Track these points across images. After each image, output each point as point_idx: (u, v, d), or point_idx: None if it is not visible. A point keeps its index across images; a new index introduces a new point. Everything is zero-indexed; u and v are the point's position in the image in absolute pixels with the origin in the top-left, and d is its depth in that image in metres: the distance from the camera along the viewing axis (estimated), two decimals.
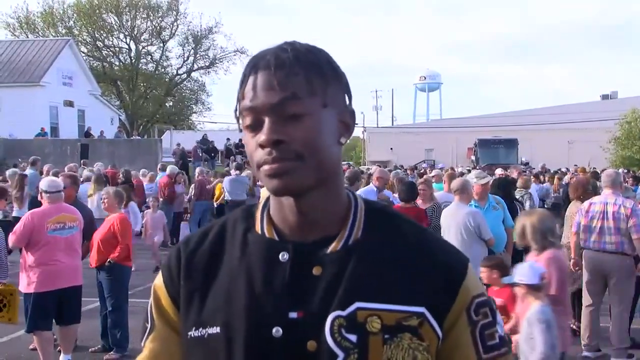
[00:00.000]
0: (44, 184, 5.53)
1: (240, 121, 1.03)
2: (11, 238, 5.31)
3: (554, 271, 3.90)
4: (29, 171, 13.25)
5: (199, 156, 24.12)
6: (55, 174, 11.51)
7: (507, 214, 6.32)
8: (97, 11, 38.94)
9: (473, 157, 31.82)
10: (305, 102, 0.98)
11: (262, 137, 0.98)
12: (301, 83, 0.98)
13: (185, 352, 1.07)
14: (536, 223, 4.03)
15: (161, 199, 12.79)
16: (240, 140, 29.10)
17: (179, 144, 25.12)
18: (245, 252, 1.07)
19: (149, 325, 1.14)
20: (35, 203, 11.91)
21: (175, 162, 19.61)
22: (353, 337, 0.98)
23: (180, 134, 33.00)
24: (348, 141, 1.08)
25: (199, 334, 1.04)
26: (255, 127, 1.00)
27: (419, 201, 6.91)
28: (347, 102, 1.07)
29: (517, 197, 9.89)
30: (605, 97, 49.78)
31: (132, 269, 6.07)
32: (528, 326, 3.53)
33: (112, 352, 5.69)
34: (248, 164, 18.90)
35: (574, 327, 6.43)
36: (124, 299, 5.84)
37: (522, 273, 3.70)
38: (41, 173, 13.38)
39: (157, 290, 1.15)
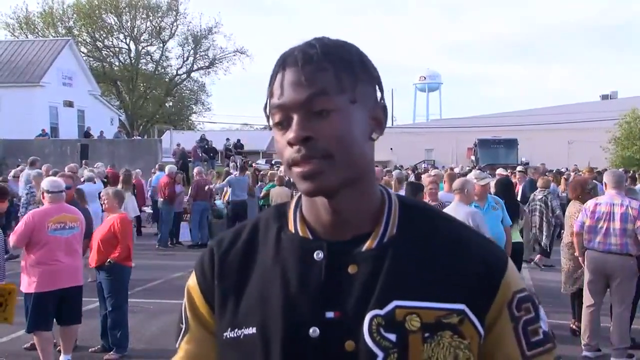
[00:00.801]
0: (45, 183, 5.55)
1: (270, 119, 1.01)
2: (12, 238, 5.32)
3: None
4: (26, 172, 13.26)
5: (198, 156, 24.13)
6: (55, 174, 11.57)
7: (505, 214, 6.36)
8: (97, 11, 38.96)
9: (473, 157, 31.83)
10: (333, 98, 0.97)
11: (290, 134, 0.97)
12: (329, 79, 0.97)
13: (220, 353, 1.06)
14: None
15: (161, 199, 12.81)
16: (239, 140, 29.13)
17: (179, 144, 25.14)
18: (279, 252, 1.06)
19: (183, 327, 1.12)
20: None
21: (175, 162, 19.62)
22: (392, 337, 0.96)
23: (180, 134, 33.00)
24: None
25: (234, 334, 1.03)
26: (284, 125, 0.99)
27: (425, 200, 6.91)
28: (379, 97, 1.05)
29: (540, 196, 9.98)
30: (605, 97, 49.77)
31: (132, 265, 6.07)
32: None
33: (111, 352, 5.70)
34: (248, 165, 18.91)
35: (574, 327, 6.44)
36: (123, 299, 5.85)
37: None
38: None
39: (191, 290, 1.13)
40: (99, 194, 10.59)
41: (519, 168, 17.92)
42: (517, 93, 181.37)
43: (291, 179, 1.03)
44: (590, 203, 5.86)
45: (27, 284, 5.19)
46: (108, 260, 5.64)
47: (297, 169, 0.97)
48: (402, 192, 7.97)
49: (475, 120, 41.36)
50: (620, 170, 6.27)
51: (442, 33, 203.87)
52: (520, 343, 1.01)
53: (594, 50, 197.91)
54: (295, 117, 0.97)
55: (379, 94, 1.05)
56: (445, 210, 5.97)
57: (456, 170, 15.40)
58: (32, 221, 5.22)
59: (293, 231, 1.07)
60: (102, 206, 6.20)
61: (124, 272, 5.83)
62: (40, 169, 12.82)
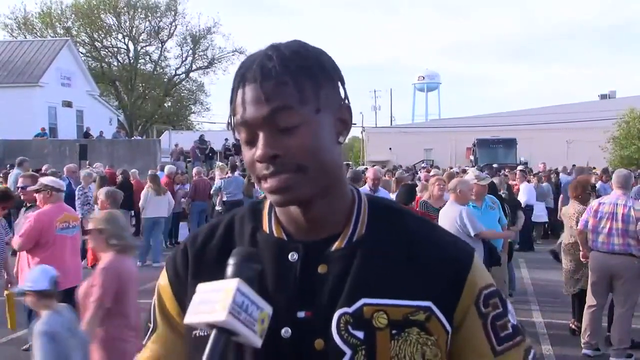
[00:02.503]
0: (48, 182, 5.55)
1: (236, 134, 1.01)
2: (17, 240, 5.23)
3: (107, 279, 3.48)
4: (15, 171, 13.22)
5: (197, 156, 24.11)
6: (53, 174, 11.57)
7: (501, 214, 6.39)
8: (95, 11, 38.90)
9: (472, 157, 31.81)
10: (297, 111, 0.96)
11: (258, 152, 0.96)
12: (291, 92, 0.95)
13: (191, 352, 1.04)
14: (101, 224, 3.62)
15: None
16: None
17: (177, 145, 25.11)
18: None
19: (151, 326, 1.13)
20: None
21: (173, 162, 19.62)
22: (360, 334, 0.97)
23: (179, 135, 32.98)
24: (346, 139, 1.07)
25: (206, 333, 1.00)
26: (251, 142, 0.98)
27: (430, 200, 6.90)
28: (343, 97, 1.03)
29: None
30: (603, 96, 49.76)
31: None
32: (33, 338, 3.08)
33: None
34: (242, 164, 18.93)
35: (574, 326, 6.45)
36: None
37: (31, 278, 3.26)
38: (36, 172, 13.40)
39: (161, 290, 1.13)
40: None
41: (519, 168, 17.96)
42: (516, 93, 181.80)
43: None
44: (595, 202, 5.86)
45: None
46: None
47: (266, 185, 0.98)
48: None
49: (474, 120, 41.36)
50: (625, 170, 6.28)
51: (441, 33, 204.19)
52: (490, 338, 1.02)
53: (592, 50, 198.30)
54: (260, 135, 0.96)
55: (342, 93, 1.03)
56: (441, 210, 6.00)
57: (454, 169, 15.42)
58: (41, 221, 5.20)
59: (268, 232, 1.07)
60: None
61: None
62: (34, 169, 12.80)
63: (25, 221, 5.41)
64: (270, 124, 0.96)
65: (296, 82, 0.96)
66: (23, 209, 6.06)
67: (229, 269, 0.92)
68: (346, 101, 1.04)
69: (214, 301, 0.86)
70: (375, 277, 1.00)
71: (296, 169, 0.96)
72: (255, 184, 1.03)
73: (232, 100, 1.00)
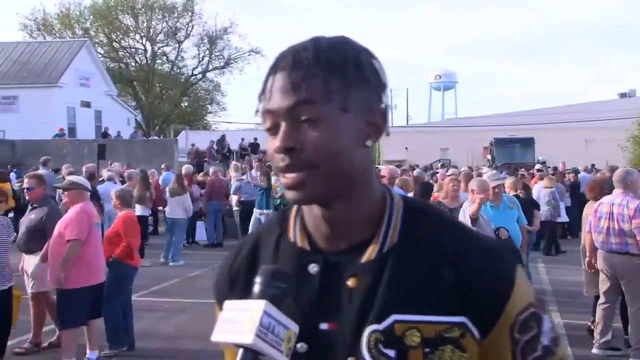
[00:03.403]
0: (79, 179, 5.77)
1: (263, 123, 0.99)
2: (73, 231, 5.18)
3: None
4: (42, 171, 13.40)
5: (213, 156, 24.23)
6: (71, 174, 11.72)
7: (521, 213, 6.38)
8: (113, 12, 39.27)
9: (489, 157, 31.59)
10: (320, 107, 0.93)
11: (276, 143, 0.95)
12: (318, 86, 0.92)
13: None
14: None
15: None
16: (255, 139, 29.21)
17: (193, 144, 25.25)
18: (276, 261, 1.04)
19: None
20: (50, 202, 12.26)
21: (190, 162, 19.73)
22: (391, 353, 0.93)
23: (196, 134, 33.18)
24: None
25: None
26: (274, 131, 0.96)
27: (445, 200, 6.86)
28: (380, 100, 0.99)
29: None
30: (623, 95, 49.20)
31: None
32: None
33: (107, 349, 5.76)
34: (256, 163, 18.92)
35: (593, 326, 6.40)
36: (119, 296, 5.88)
37: None
38: (55, 172, 13.55)
39: (216, 312, 1.09)
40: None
41: (537, 167, 17.80)
42: (534, 92, 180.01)
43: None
44: (597, 203, 5.94)
45: (68, 280, 5.17)
46: (110, 257, 5.75)
47: (283, 180, 0.96)
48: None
49: (491, 119, 41.07)
50: (627, 169, 6.31)
51: (457, 32, 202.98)
52: None
53: (612, 48, 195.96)
54: (282, 125, 0.94)
55: (380, 98, 0.99)
56: (461, 208, 5.97)
57: (465, 169, 15.32)
58: (87, 216, 5.30)
59: (292, 239, 1.05)
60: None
61: (125, 270, 5.89)
62: (59, 168, 12.97)
63: (64, 218, 5.41)
64: (292, 116, 0.94)
65: (325, 77, 0.93)
66: (28, 209, 6.13)
67: (255, 288, 0.92)
68: (383, 105, 0.99)
69: (241, 321, 0.87)
70: (407, 290, 0.95)
71: (310, 166, 0.93)
72: (278, 177, 1.01)
73: (263, 86, 0.98)
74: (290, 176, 0.95)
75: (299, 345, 0.95)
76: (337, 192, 0.96)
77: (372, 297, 0.96)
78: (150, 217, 13.43)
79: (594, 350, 5.84)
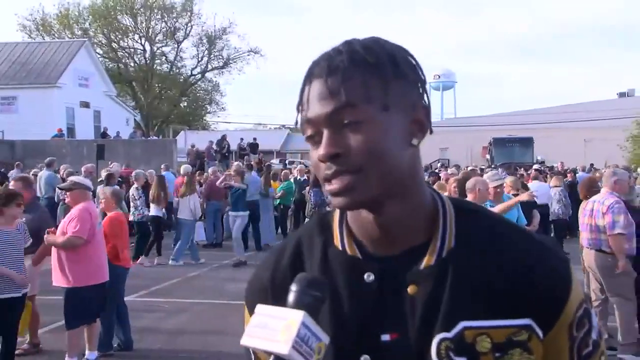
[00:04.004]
0: (82, 179, 5.78)
1: (304, 133, 0.97)
2: (78, 229, 5.18)
3: None
4: (45, 172, 13.41)
5: (212, 156, 24.22)
6: (70, 175, 11.73)
7: (520, 213, 6.38)
8: (112, 13, 39.29)
9: (488, 156, 31.61)
10: (361, 109, 0.91)
11: (320, 151, 0.92)
12: (356, 88, 0.91)
13: None
14: None
15: (176, 199, 12.86)
16: (254, 139, 29.22)
17: (193, 145, 25.25)
18: (327, 271, 1.00)
19: (251, 352, 1.07)
20: (51, 204, 12.23)
21: (191, 163, 19.71)
22: None
23: (195, 134, 33.18)
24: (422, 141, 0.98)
25: None
26: (316, 140, 0.94)
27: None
28: (421, 98, 0.97)
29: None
30: (622, 95, 49.22)
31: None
32: None
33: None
34: (256, 164, 18.88)
35: None
36: (111, 297, 5.84)
37: None
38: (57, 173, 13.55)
39: (245, 317, 1.07)
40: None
41: (535, 166, 17.81)
42: (532, 92, 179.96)
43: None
44: (585, 202, 6.14)
45: (77, 278, 5.17)
46: None
47: (329, 186, 0.94)
48: None
49: (490, 119, 41.11)
50: (615, 169, 6.51)
51: (456, 32, 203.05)
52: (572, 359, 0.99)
53: (611, 48, 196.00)
54: (325, 132, 0.92)
55: (420, 94, 0.98)
56: None
57: (469, 168, 15.32)
58: (90, 215, 5.30)
59: (340, 247, 1.01)
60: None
61: (115, 272, 5.80)
62: (58, 169, 12.99)
63: (65, 218, 5.43)
64: (334, 122, 0.92)
65: (363, 78, 0.91)
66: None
67: (291, 296, 0.91)
68: (424, 102, 0.98)
69: (275, 329, 0.86)
70: (472, 296, 0.94)
71: (357, 169, 0.91)
72: (322, 188, 0.99)
73: (300, 97, 0.96)
74: (337, 182, 0.92)
75: (362, 358, 0.94)
76: (386, 194, 0.94)
77: (436, 304, 0.94)
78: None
79: None
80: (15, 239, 5.01)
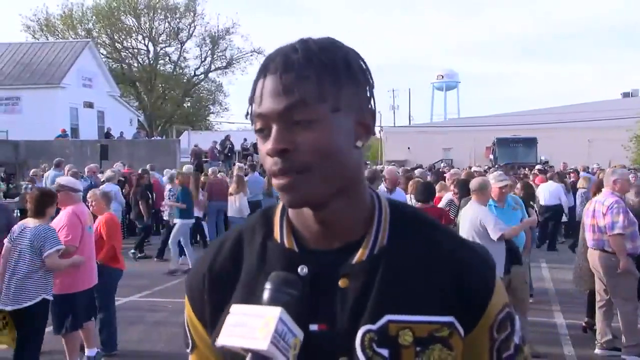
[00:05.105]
0: (69, 181, 5.68)
1: (253, 125, 0.98)
2: (73, 239, 5.15)
3: None
4: (51, 172, 13.44)
5: (215, 156, 24.23)
6: (74, 175, 11.75)
7: (524, 214, 6.34)
8: (116, 13, 39.36)
9: (491, 156, 31.56)
10: (313, 108, 0.92)
11: (268, 145, 0.94)
12: (310, 87, 0.92)
13: None
14: None
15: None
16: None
17: (196, 145, 25.26)
18: (264, 262, 1.03)
19: (190, 344, 1.11)
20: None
21: (190, 162, 19.73)
22: (385, 352, 0.95)
23: (198, 135, 33.20)
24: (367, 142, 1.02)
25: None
26: (265, 133, 0.96)
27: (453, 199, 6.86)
28: (368, 101, 1.00)
29: None
30: (626, 95, 49.14)
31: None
32: None
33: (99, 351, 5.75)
34: (261, 165, 18.92)
35: (585, 324, 6.46)
36: (110, 300, 5.87)
37: None
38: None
39: (186, 309, 1.11)
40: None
41: (537, 167, 17.76)
42: (536, 91, 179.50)
43: None
44: (588, 202, 6.17)
45: (66, 284, 5.13)
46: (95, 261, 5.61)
47: (275, 181, 0.96)
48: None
49: (494, 119, 41.03)
50: (616, 169, 6.53)
51: (459, 32, 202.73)
52: None
53: (614, 48, 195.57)
54: (274, 127, 0.94)
55: (368, 97, 1.00)
56: (462, 210, 5.95)
57: (474, 169, 15.31)
58: (78, 219, 5.25)
59: (279, 240, 1.04)
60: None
61: (111, 273, 5.82)
62: (66, 170, 13.00)
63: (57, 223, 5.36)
64: (284, 118, 0.93)
65: (317, 78, 0.93)
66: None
67: (265, 294, 0.93)
68: (371, 106, 1.00)
69: (253, 327, 0.88)
70: (398, 291, 0.98)
71: (303, 168, 0.93)
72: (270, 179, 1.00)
73: (253, 90, 0.98)
74: (283, 179, 0.94)
75: None
76: (331, 193, 0.96)
77: (364, 298, 0.97)
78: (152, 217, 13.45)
79: (597, 351, 5.85)
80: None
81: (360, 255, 1.00)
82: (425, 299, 0.98)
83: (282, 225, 1.05)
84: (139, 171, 13.29)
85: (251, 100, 0.98)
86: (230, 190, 11.41)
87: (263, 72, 0.96)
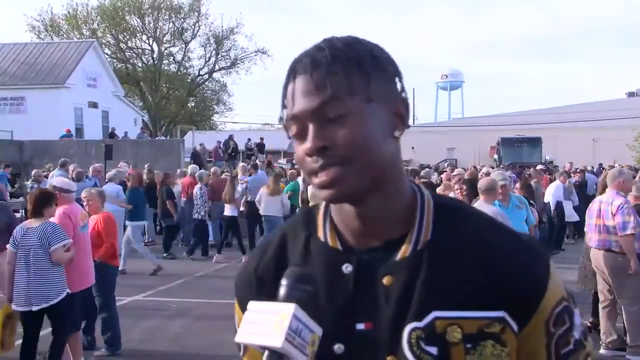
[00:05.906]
0: (62, 182, 5.69)
1: (288, 131, 0.99)
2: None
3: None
4: (56, 172, 13.47)
5: (219, 156, 24.23)
6: (79, 175, 11.77)
7: (529, 213, 6.40)
8: (120, 13, 39.44)
9: (496, 156, 31.49)
10: (345, 101, 0.93)
11: (307, 145, 0.94)
12: (340, 82, 0.93)
13: None
14: None
15: (184, 199, 12.87)
16: (261, 139, 29.23)
17: (201, 144, 25.28)
18: (308, 262, 1.03)
19: (242, 347, 1.09)
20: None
21: (189, 162, 19.73)
22: (433, 350, 0.93)
23: (202, 134, 33.23)
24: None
25: None
26: (301, 135, 0.96)
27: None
28: (400, 91, 1.00)
29: None
30: (631, 94, 48.93)
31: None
32: None
33: (102, 349, 5.77)
34: (264, 164, 18.87)
35: (589, 324, 6.44)
36: (111, 298, 5.87)
37: None
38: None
39: (236, 312, 1.12)
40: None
41: (539, 167, 17.70)
42: (540, 91, 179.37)
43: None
44: (592, 202, 6.11)
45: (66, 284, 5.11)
46: (93, 259, 5.62)
47: (316, 179, 0.96)
48: None
49: (498, 119, 40.94)
50: (621, 168, 6.52)
51: (464, 31, 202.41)
52: (550, 357, 0.99)
53: (619, 47, 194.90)
54: (310, 127, 0.94)
55: (399, 87, 1.00)
56: None
57: (485, 169, 15.27)
58: (70, 220, 5.25)
59: (322, 239, 1.04)
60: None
61: (110, 271, 5.85)
62: (71, 170, 13.02)
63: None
64: (319, 116, 0.94)
65: (346, 72, 0.94)
66: None
67: (281, 290, 0.93)
68: (403, 95, 1.00)
69: (268, 324, 0.88)
70: (445, 287, 0.96)
71: (343, 162, 0.93)
72: (308, 181, 1.00)
73: (283, 94, 0.98)
74: (325, 175, 0.94)
75: (336, 346, 0.96)
76: (371, 186, 0.96)
77: (409, 295, 0.96)
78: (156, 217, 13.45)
79: (601, 351, 5.83)
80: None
81: (403, 251, 0.99)
82: (472, 294, 0.95)
83: (325, 224, 1.05)
84: (160, 173, 13.48)
85: (283, 105, 0.98)
86: (270, 191, 11.35)
87: (292, 74, 0.97)
